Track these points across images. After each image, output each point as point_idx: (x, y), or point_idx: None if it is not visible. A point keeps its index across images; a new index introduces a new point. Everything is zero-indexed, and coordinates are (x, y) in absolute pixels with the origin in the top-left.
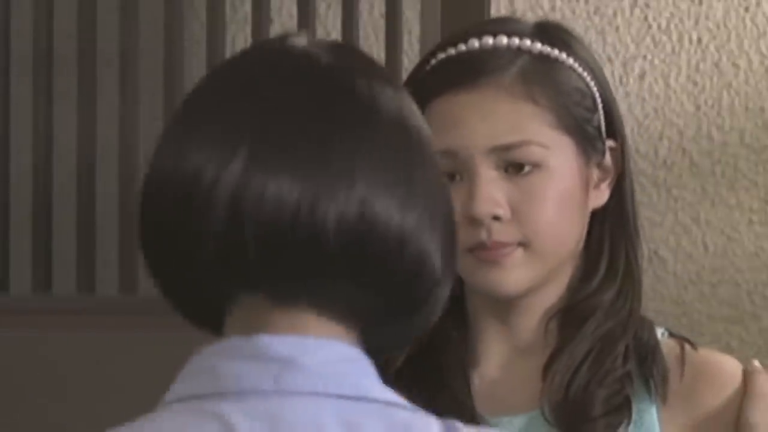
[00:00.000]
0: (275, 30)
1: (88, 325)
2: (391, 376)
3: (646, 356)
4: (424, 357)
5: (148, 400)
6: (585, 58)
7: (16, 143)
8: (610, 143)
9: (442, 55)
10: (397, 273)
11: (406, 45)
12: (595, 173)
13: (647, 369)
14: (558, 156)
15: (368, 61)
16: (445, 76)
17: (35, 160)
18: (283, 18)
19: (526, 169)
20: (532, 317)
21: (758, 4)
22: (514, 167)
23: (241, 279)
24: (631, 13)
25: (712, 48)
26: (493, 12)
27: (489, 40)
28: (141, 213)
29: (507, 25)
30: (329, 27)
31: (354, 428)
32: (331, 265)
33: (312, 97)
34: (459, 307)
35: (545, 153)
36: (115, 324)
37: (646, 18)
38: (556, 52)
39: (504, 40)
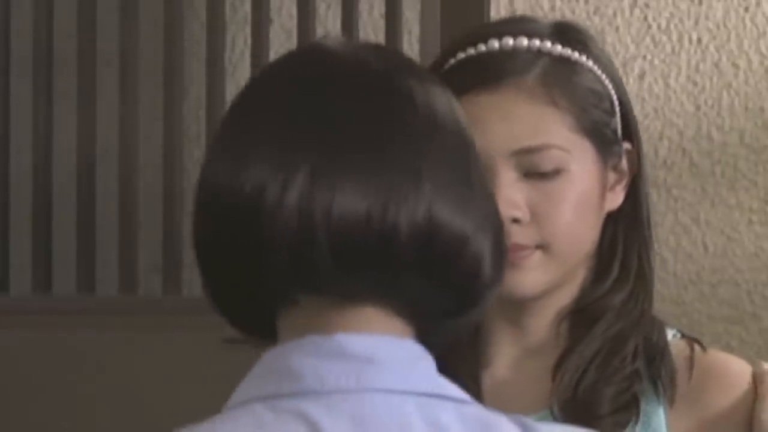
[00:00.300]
0: (275, 30)
1: (88, 325)
2: None
3: (655, 357)
4: (434, 358)
5: (148, 400)
6: (602, 60)
7: (16, 143)
8: (626, 146)
9: (461, 55)
10: (459, 274)
11: (406, 45)
12: (611, 176)
13: (655, 370)
14: (578, 159)
15: (413, 62)
16: (465, 77)
17: (35, 160)
18: (283, 18)
19: (547, 172)
20: (544, 318)
21: (758, 4)
22: (534, 170)
23: (311, 283)
24: (631, 13)
25: (711, 48)
26: (493, 12)
27: (509, 41)
28: (198, 225)
29: (526, 26)
30: (329, 27)
31: (436, 425)
32: (401, 267)
33: (369, 103)
34: None
35: (566, 156)
36: (115, 324)
37: (645, 18)
38: (576, 54)
39: (524, 41)
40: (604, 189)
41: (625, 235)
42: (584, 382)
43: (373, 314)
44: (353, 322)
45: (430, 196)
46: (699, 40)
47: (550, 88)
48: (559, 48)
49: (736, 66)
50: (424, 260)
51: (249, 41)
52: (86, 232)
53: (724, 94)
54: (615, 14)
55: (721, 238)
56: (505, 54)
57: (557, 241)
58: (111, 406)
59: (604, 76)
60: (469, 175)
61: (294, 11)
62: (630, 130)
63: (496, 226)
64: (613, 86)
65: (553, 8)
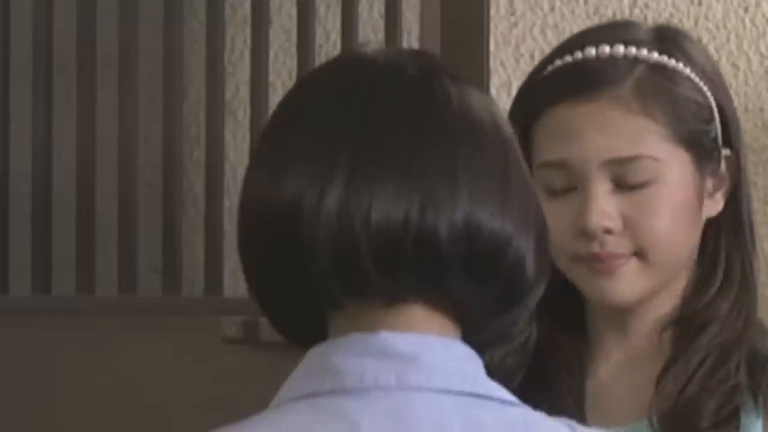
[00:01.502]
0: (275, 30)
1: (88, 325)
2: (512, 383)
3: (757, 368)
4: (542, 363)
5: (147, 400)
6: (703, 65)
7: (15, 143)
8: (726, 152)
9: (558, 62)
10: (502, 273)
11: (405, 45)
12: (710, 182)
13: (756, 382)
14: (672, 169)
15: (450, 67)
16: (561, 85)
17: (35, 160)
18: (283, 18)
19: (639, 182)
20: (645, 325)
21: (757, 4)
22: (626, 180)
23: (354, 287)
24: (631, 13)
25: (711, 48)
26: (493, 12)
27: (606, 49)
28: (242, 233)
29: (624, 32)
30: (329, 27)
31: (476, 426)
32: (443, 268)
33: (404, 108)
34: (578, 315)
35: (659, 166)
36: (115, 324)
37: (645, 18)
38: (672, 61)
39: (621, 49)
40: (701, 196)
41: (727, 243)
42: (686, 394)
43: (419, 314)
44: (399, 323)
45: (467, 198)
46: (698, 41)
47: (646, 99)
48: (655, 55)
49: (735, 67)
50: (465, 261)
51: (249, 41)
52: (86, 233)
53: None
54: (614, 15)
55: None
56: (602, 62)
57: (653, 248)
58: (111, 406)
59: (702, 83)
60: (508, 176)
61: (294, 11)
62: (730, 137)
63: (538, 225)
64: (713, 92)
65: (552, 8)
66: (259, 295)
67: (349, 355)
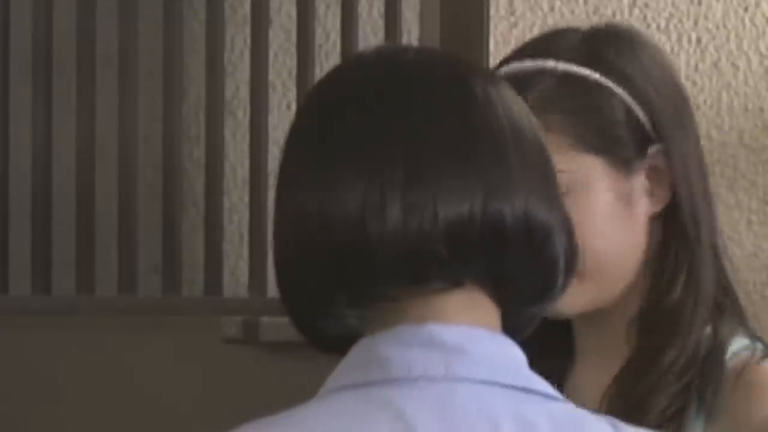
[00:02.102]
0: (274, 30)
1: (88, 325)
2: None
3: (709, 368)
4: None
5: (147, 400)
6: (621, 66)
7: (15, 143)
8: (654, 148)
9: None
10: (545, 262)
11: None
12: (643, 180)
13: (702, 382)
14: (585, 177)
15: (476, 64)
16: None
17: (35, 160)
18: (283, 18)
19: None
20: (615, 327)
21: (757, 4)
22: None
23: (420, 279)
24: (630, 13)
25: (711, 48)
26: (492, 12)
27: (525, 64)
28: (294, 249)
29: (551, 44)
30: (328, 27)
31: (523, 420)
32: (503, 255)
33: (451, 109)
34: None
35: (567, 177)
36: (115, 324)
37: (645, 18)
38: (582, 69)
39: (529, 63)
40: (629, 197)
41: (672, 237)
42: (637, 393)
43: (465, 303)
44: (444, 313)
45: (522, 190)
46: (698, 40)
47: (546, 112)
48: (562, 66)
49: (735, 66)
50: (522, 248)
51: (248, 41)
52: (86, 233)
53: (724, 94)
54: (614, 14)
55: None
56: (516, 78)
57: (583, 260)
58: (111, 406)
59: (616, 86)
60: (548, 171)
61: (293, 11)
62: (663, 130)
63: (569, 227)
64: (633, 93)
65: (552, 8)
66: (296, 302)
67: (397, 345)
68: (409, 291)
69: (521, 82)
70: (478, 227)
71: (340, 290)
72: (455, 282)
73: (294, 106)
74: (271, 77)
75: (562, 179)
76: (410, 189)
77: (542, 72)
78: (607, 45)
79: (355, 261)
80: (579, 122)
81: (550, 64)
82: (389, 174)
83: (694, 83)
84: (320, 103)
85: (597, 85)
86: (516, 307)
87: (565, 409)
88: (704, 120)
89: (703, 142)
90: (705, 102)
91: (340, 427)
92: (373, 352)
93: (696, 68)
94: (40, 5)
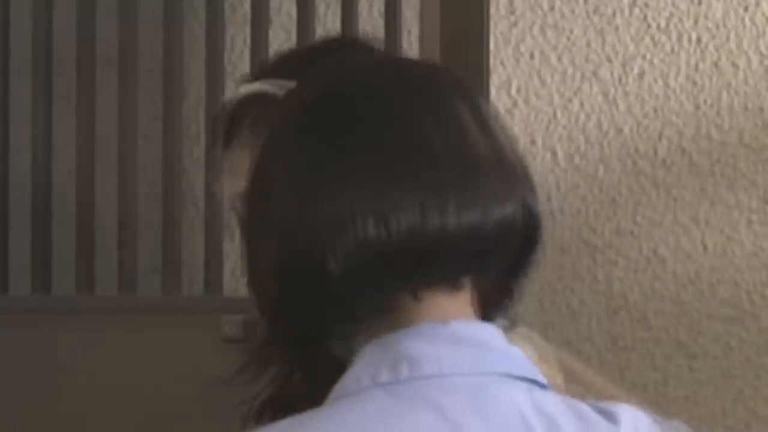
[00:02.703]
0: (274, 30)
1: (88, 325)
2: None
3: None
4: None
5: (147, 400)
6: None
7: (15, 143)
8: None
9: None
10: (528, 266)
11: (405, 45)
12: None
13: None
14: None
15: (454, 76)
16: (220, 132)
17: (34, 160)
18: (283, 18)
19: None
20: None
21: (757, 3)
22: None
23: (441, 279)
24: (631, 12)
25: (711, 48)
26: (492, 12)
27: (239, 90)
28: (292, 265)
29: (265, 64)
30: (328, 27)
31: (541, 410)
32: (511, 255)
33: (450, 125)
34: None
35: None
36: (115, 324)
37: (645, 18)
38: (260, 85)
39: (241, 90)
40: None
41: None
42: None
43: (467, 301)
44: (457, 311)
45: (524, 194)
46: (698, 40)
47: (241, 131)
48: (256, 86)
49: (735, 65)
50: (524, 246)
51: (248, 41)
52: (85, 232)
53: (724, 93)
54: (614, 14)
55: (720, 237)
56: (226, 104)
57: None
58: (110, 406)
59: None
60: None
61: (293, 11)
62: None
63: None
64: None
65: (552, 8)
66: (305, 321)
67: (425, 343)
68: (430, 290)
69: (229, 108)
70: (493, 232)
71: (362, 295)
72: (467, 281)
73: None
74: None
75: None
76: (464, 190)
77: (242, 97)
78: (314, 61)
79: (411, 257)
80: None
81: (255, 86)
82: (440, 175)
83: (695, 83)
84: (337, 102)
85: (268, 96)
86: (493, 305)
87: (563, 399)
88: (704, 120)
89: (702, 141)
90: (705, 101)
91: (386, 427)
92: (399, 351)
93: (696, 68)
94: (40, 5)
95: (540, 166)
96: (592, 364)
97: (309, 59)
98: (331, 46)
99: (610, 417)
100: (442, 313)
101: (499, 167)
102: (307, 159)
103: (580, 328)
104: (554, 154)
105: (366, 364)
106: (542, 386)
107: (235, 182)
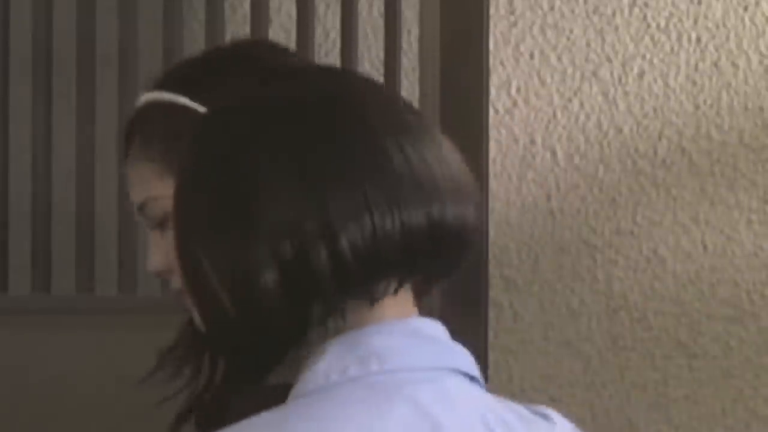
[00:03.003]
0: (274, 29)
1: (88, 325)
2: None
3: None
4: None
5: (147, 399)
6: (210, 87)
7: (15, 143)
8: None
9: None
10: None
11: (405, 45)
12: None
13: None
14: None
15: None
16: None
17: (35, 161)
18: (282, 17)
19: (158, 223)
20: None
21: (757, 3)
22: (153, 224)
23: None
24: (630, 12)
25: (711, 47)
26: (492, 12)
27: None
28: (260, 256)
29: (159, 74)
30: (328, 27)
31: (491, 409)
32: (441, 255)
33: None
34: None
35: (167, 203)
36: (115, 324)
37: (645, 17)
38: (171, 96)
39: (141, 99)
40: None
41: None
42: None
43: (410, 299)
44: (409, 309)
45: (441, 199)
46: (698, 40)
47: (141, 140)
48: (153, 95)
49: (735, 65)
50: (456, 253)
51: None
52: (85, 233)
53: (724, 93)
54: (614, 13)
55: (720, 237)
56: (135, 112)
57: None
58: (110, 405)
59: (200, 107)
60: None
61: (293, 10)
62: None
63: None
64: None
65: (552, 7)
66: (273, 329)
67: (390, 338)
68: (388, 290)
69: (130, 119)
70: (437, 232)
71: (334, 297)
72: (413, 280)
73: None
74: None
75: (162, 205)
76: (415, 192)
77: (144, 104)
78: (201, 68)
79: (360, 263)
80: (167, 146)
81: (152, 95)
82: (385, 181)
83: (694, 83)
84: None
85: (183, 109)
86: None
87: (498, 398)
88: (704, 119)
89: (702, 141)
90: (705, 101)
91: (369, 417)
92: (367, 346)
93: (696, 68)
94: (40, 5)
95: (540, 166)
96: (592, 364)
97: (215, 70)
98: (237, 52)
99: (545, 417)
100: (398, 311)
101: (444, 176)
102: (253, 174)
103: (580, 328)
104: (554, 154)
105: (333, 361)
106: (481, 384)
107: (135, 192)
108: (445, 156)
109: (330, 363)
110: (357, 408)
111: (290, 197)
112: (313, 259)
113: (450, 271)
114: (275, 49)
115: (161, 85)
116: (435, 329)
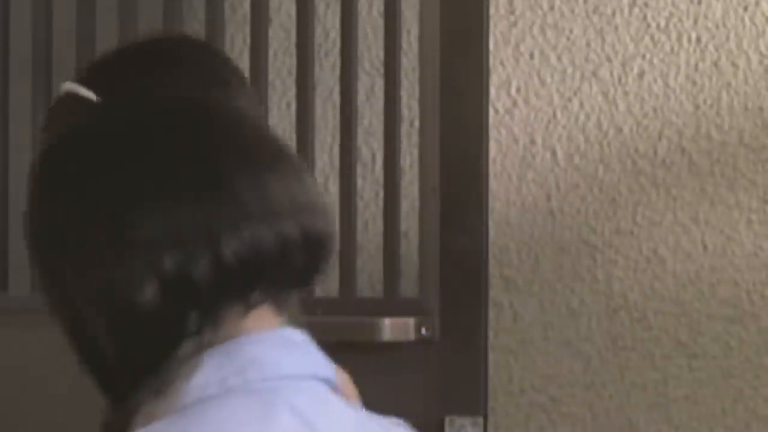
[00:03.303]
0: (274, 29)
1: None
2: None
3: None
4: None
5: None
6: (123, 84)
7: (15, 143)
8: None
9: None
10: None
11: (405, 45)
12: None
13: None
14: None
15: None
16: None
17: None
18: (282, 17)
19: None
20: None
21: (757, 3)
22: None
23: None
24: (630, 12)
25: (711, 47)
26: (492, 12)
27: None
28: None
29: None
30: (328, 26)
31: (358, 417)
32: (298, 272)
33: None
34: None
35: None
36: None
37: (644, 17)
38: (83, 90)
39: (62, 88)
40: None
41: None
42: None
43: (274, 311)
44: (275, 319)
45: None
46: (698, 40)
47: (46, 132)
48: (70, 86)
49: (735, 65)
50: (317, 265)
51: (248, 40)
52: None
53: (724, 93)
54: (614, 13)
55: (720, 237)
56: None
57: None
58: None
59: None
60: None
61: (293, 10)
62: None
63: None
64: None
65: (552, 7)
66: (148, 343)
67: (264, 348)
68: (263, 299)
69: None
70: (303, 246)
71: (212, 307)
72: (276, 297)
73: (293, 106)
74: (270, 76)
75: None
76: (258, 223)
77: (64, 96)
78: (115, 64)
79: (240, 274)
80: None
81: (66, 86)
82: (257, 191)
83: (694, 83)
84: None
85: (81, 100)
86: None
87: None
88: (704, 119)
89: (702, 141)
90: (705, 101)
91: (259, 423)
92: (244, 356)
93: (696, 68)
94: (40, 5)
95: (540, 166)
96: (592, 364)
97: (127, 68)
98: (156, 48)
99: (399, 424)
100: (266, 322)
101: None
102: (105, 188)
103: (580, 328)
104: (554, 153)
105: (211, 373)
106: (337, 389)
107: None
108: (303, 177)
109: (207, 375)
110: (243, 417)
111: (165, 209)
112: (195, 268)
113: (312, 279)
114: (202, 48)
115: (88, 76)
116: (303, 338)
